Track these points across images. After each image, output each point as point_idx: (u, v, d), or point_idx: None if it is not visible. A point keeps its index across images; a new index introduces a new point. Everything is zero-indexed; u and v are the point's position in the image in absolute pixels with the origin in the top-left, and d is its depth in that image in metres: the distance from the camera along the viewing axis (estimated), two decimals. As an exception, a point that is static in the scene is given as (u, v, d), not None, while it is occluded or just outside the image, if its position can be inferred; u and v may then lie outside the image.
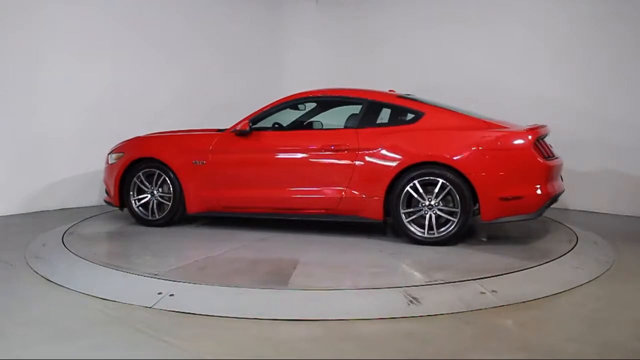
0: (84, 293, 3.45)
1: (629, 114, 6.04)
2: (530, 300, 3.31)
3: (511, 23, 6.81)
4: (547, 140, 4.83)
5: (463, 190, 4.40)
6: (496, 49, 6.93)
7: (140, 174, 5.38)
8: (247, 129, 5.05)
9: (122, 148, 5.62)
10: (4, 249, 4.60)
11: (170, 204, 5.30)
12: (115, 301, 3.30)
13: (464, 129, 4.59)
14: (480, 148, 4.43)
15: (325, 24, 8.77)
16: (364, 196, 4.69)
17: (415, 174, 4.51)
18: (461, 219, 4.43)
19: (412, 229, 4.57)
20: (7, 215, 6.07)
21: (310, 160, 4.91)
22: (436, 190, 4.46)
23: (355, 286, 3.56)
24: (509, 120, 4.88)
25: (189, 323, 3.00)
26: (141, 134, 5.96)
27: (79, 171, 6.69)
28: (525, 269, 3.82)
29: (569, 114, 6.36)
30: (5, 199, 6.11)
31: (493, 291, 3.39)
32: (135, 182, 5.41)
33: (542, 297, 3.38)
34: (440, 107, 4.88)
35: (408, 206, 4.57)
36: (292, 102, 5.27)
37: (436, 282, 3.52)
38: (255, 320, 3.01)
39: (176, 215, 5.32)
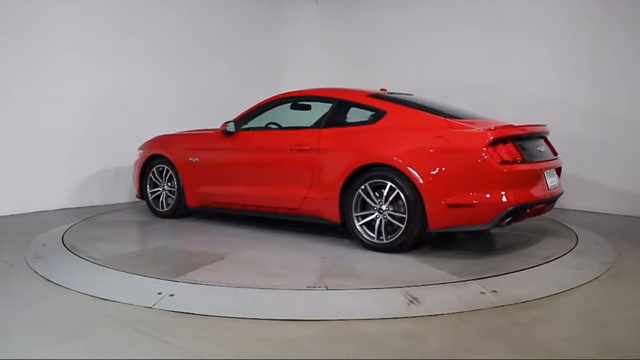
0: (84, 293, 3.45)
1: (629, 113, 6.04)
2: (530, 300, 3.31)
3: (511, 23, 6.81)
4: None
5: (410, 194, 4.11)
6: (496, 49, 6.93)
7: (154, 169, 5.85)
8: (224, 129, 5.27)
9: (144, 145, 6.08)
10: (4, 249, 4.60)
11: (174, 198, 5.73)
12: (115, 301, 3.30)
13: (419, 129, 4.26)
14: (431, 150, 4.09)
15: (325, 24, 8.77)
16: (323, 197, 4.61)
17: (366, 175, 4.32)
18: (409, 225, 4.13)
19: (363, 233, 4.36)
20: (7, 215, 6.07)
21: (276, 159, 4.96)
22: (384, 193, 4.24)
23: (239, 284, 3.45)
24: (503, 119, 4.81)
25: (189, 323, 3.00)
26: (142, 135, 6.11)
27: (79, 171, 6.69)
28: (525, 269, 3.81)
29: (570, 114, 6.37)
30: (5, 199, 6.11)
31: (493, 291, 3.39)
32: (150, 177, 5.89)
33: (542, 297, 3.37)
34: (407, 106, 4.58)
35: (363, 209, 4.38)
36: (273, 103, 5.33)
37: (437, 283, 3.52)
38: (255, 320, 3.01)
39: (179, 208, 5.71)
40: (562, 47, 6.43)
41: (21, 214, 6.18)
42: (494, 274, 3.67)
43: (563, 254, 4.23)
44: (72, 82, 6.53)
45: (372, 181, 4.31)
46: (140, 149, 6.08)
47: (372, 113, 4.67)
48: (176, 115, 7.39)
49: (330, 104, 4.91)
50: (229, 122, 5.30)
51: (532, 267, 3.88)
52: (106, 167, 6.91)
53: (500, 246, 4.57)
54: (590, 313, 3.17)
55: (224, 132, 5.30)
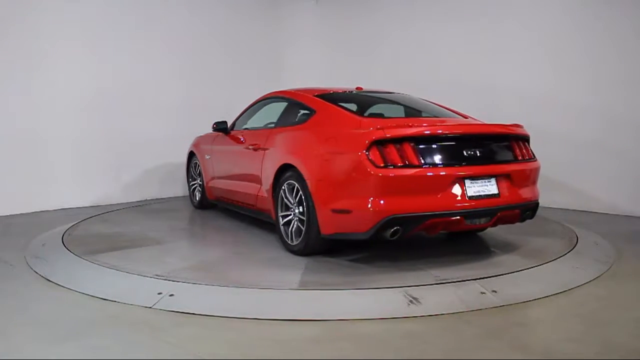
0: (84, 293, 3.45)
1: (629, 113, 6.03)
2: (530, 300, 3.31)
3: (511, 21, 6.82)
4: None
5: (308, 197, 3.96)
6: (495, 47, 6.94)
7: (192, 165, 6.57)
8: (215, 128, 5.69)
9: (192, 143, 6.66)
10: (4, 249, 4.60)
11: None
12: (115, 301, 3.30)
13: (325, 129, 4.09)
14: (322, 151, 3.94)
15: (325, 23, 8.79)
16: (267, 196, 4.63)
17: (284, 176, 4.29)
18: (307, 229, 3.98)
19: (283, 233, 4.31)
20: (7, 215, 6.07)
21: (241, 158, 5.19)
22: (293, 195, 4.20)
23: (125, 269, 3.77)
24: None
25: (189, 323, 3.00)
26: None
27: (78, 171, 6.69)
28: (525, 269, 3.81)
29: (569, 113, 6.36)
30: (5, 199, 6.10)
31: (493, 291, 3.39)
32: (190, 172, 6.63)
33: (542, 297, 3.38)
34: (335, 105, 4.34)
35: (287, 210, 4.32)
36: (261, 104, 5.57)
37: (437, 283, 3.52)
38: (255, 320, 3.01)
39: (204, 200, 6.32)
40: (561, 45, 6.42)
41: (21, 213, 6.18)
42: (494, 274, 3.67)
43: (563, 254, 4.23)
44: (72, 81, 6.53)
45: (287, 182, 4.27)
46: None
47: (307, 113, 4.59)
48: (177, 115, 7.41)
49: (286, 104, 4.99)
50: (218, 122, 5.70)
51: (532, 267, 3.88)
52: (106, 166, 6.91)
53: (500, 246, 4.57)
54: (590, 313, 3.17)
55: (224, 132, 5.69)
